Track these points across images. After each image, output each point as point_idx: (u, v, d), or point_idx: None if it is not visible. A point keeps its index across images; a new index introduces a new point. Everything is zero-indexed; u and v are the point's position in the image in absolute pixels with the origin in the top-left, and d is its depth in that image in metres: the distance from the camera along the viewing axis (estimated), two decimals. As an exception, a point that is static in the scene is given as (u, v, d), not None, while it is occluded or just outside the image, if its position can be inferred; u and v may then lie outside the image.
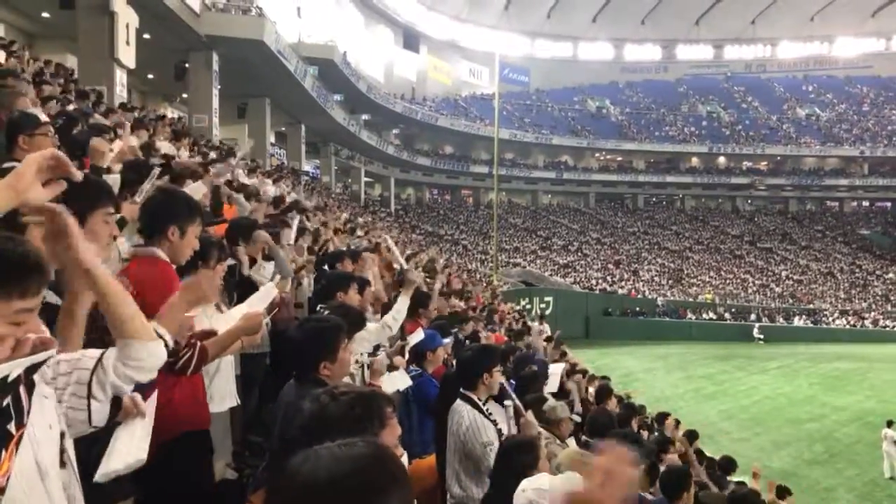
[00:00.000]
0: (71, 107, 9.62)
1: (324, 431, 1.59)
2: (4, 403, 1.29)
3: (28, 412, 1.37)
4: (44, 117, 4.16)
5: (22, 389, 1.34)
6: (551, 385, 5.92)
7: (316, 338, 2.76)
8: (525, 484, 2.61)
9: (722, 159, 60.68)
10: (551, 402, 5.43)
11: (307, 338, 2.78)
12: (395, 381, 3.83)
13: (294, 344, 2.82)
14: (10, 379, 1.30)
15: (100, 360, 1.71)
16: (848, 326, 43.10)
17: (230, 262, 4.70)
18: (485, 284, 27.67)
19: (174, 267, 3.02)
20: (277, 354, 5.43)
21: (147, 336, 1.76)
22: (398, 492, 1.01)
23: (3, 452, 1.28)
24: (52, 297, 2.03)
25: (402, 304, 4.51)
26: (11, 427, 1.31)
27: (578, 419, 5.47)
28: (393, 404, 1.74)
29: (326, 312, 3.41)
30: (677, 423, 11.35)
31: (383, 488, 1.00)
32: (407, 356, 4.44)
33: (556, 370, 6.23)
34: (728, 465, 10.03)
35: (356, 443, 1.10)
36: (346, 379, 2.89)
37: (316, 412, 1.67)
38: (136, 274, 2.86)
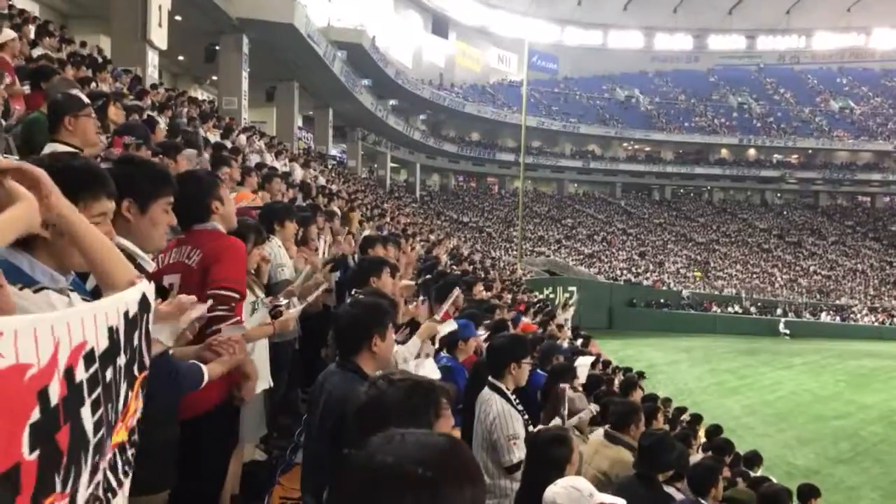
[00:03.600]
0: (105, 87, 9.73)
1: (381, 417, 1.61)
2: (135, 343, 1.30)
3: (149, 356, 1.39)
4: (85, 99, 4.21)
5: (144, 332, 1.36)
6: (580, 377, 5.90)
7: (370, 310, 2.80)
8: (561, 482, 2.62)
9: (752, 151, 59.86)
10: (569, 393, 5.42)
11: (362, 310, 2.82)
12: (425, 372, 3.84)
13: (347, 318, 2.84)
14: (130, 315, 1.31)
15: None
16: (877, 324, 42.46)
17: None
18: (510, 273, 27.64)
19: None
20: (307, 338, 5.49)
21: (125, 284, 1.74)
22: (472, 489, 1.04)
23: (130, 392, 1.31)
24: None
25: (414, 346, 3.87)
26: (136, 369, 1.33)
27: (598, 409, 5.45)
28: (449, 395, 1.74)
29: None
30: (699, 418, 11.31)
31: (462, 482, 1.03)
32: (438, 344, 4.44)
33: (584, 362, 6.19)
34: (754, 459, 9.97)
35: (436, 433, 1.14)
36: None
37: (374, 398, 1.69)
38: (207, 245, 2.92)
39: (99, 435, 1.15)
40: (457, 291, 4.75)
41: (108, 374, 1.19)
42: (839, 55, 66.98)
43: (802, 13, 64.02)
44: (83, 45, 14.08)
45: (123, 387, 1.27)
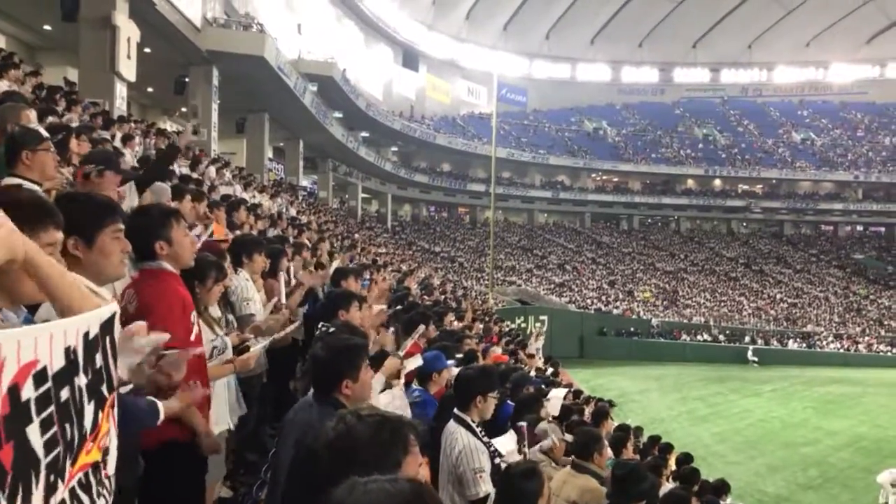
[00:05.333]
0: (72, 118, 9.64)
1: (349, 453, 1.60)
2: (98, 363, 1.28)
3: (115, 376, 1.37)
4: (44, 132, 4.17)
5: (109, 353, 1.34)
6: (553, 409, 5.88)
7: (340, 355, 2.76)
8: None
9: (718, 182, 60.99)
10: (543, 424, 5.40)
11: (331, 354, 2.77)
12: (397, 406, 3.81)
13: (318, 361, 2.81)
14: (91, 336, 1.29)
15: None
16: (842, 350, 43.12)
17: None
18: (481, 302, 27.66)
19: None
20: (275, 372, 5.42)
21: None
22: None
23: (101, 414, 1.29)
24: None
25: (379, 382, 3.90)
26: (104, 389, 1.31)
27: (571, 439, 5.45)
28: (418, 432, 1.73)
29: (331, 330, 3.40)
30: (669, 447, 11.32)
31: None
32: (403, 379, 4.41)
33: (557, 394, 6.16)
34: (721, 487, 9.97)
35: (401, 479, 1.13)
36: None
37: (342, 433, 1.67)
38: (142, 291, 2.90)
39: (52, 454, 1.13)
40: (421, 328, 4.73)
41: (64, 393, 1.17)
42: (799, 88, 68.88)
43: (763, 47, 65.86)
44: (33, 72, 13.88)
45: (90, 407, 1.26)
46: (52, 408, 1.13)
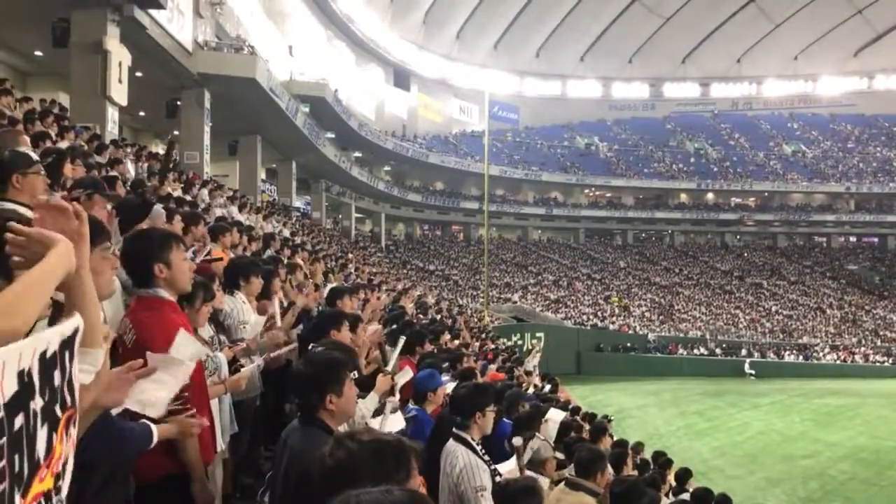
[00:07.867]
0: (64, 144, 9.62)
1: (350, 478, 1.55)
2: (56, 382, 1.22)
3: (73, 394, 1.30)
4: (34, 156, 4.15)
5: (68, 370, 1.28)
6: (549, 432, 5.80)
7: (323, 369, 2.72)
8: None
9: (710, 195, 61.24)
10: (534, 441, 5.35)
11: (314, 369, 2.74)
12: (389, 423, 3.77)
13: (300, 377, 2.77)
14: (49, 354, 1.22)
15: None
16: (838, 362, 43.11)
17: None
18: (477, 320, 27.61)
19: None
20: (269, 394, 5.38)
21: (101, 343, 1.70)
22: None
23: (54, 436, 1.23)
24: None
25: (373, 402, 4.00)
26: (57, 409, 1.24)
27: (562, 457, 5.39)
28: (418, 454, 1.70)
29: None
30: (668, 462, 11.25)
31: None
32: (398, 395, 4.38)
33: (555, 417, 6.06)
34: (722, 502, 9.90)
35: (394, 490, 1.13)
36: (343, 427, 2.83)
37: (343, 458, 1.64)
38: (139, 323, 2.86)
39: None
40: (402, 340, 4.71)
41: (18, 421, 1.11)
42: (789, 101, 69.40)
43: (752, 61, 66.44)
44: (51, 102, 13.91)
45: (44, 431, 1.19)
46: (3, 440, 1.07)
